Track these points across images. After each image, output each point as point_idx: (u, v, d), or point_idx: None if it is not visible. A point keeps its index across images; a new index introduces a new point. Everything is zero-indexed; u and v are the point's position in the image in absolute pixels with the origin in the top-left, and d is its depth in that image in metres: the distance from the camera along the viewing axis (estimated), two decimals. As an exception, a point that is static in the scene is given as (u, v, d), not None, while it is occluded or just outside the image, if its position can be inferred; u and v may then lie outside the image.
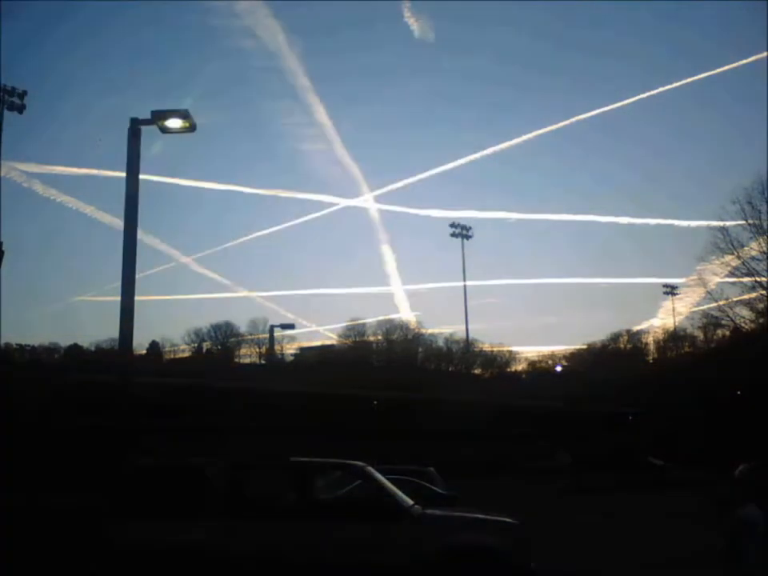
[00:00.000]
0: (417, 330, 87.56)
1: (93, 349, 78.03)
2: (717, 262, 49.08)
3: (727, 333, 58.98)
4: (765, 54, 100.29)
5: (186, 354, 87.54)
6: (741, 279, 48.46)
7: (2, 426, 27.16)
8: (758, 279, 47.60)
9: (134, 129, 13.13)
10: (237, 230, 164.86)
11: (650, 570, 13.79)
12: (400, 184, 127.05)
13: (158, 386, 43.07)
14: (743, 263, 47.93)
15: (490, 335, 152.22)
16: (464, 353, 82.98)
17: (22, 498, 15.89)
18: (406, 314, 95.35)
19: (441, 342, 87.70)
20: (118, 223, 15.21)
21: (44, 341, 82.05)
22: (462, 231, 72.27)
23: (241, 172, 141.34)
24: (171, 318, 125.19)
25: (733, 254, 48.00)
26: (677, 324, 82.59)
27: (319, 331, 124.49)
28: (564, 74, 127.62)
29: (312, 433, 37.41)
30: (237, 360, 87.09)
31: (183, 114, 13.04)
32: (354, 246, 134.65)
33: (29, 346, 75.58)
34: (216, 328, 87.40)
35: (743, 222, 47.65)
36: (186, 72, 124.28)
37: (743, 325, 51.01)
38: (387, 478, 10.79)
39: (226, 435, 33.90)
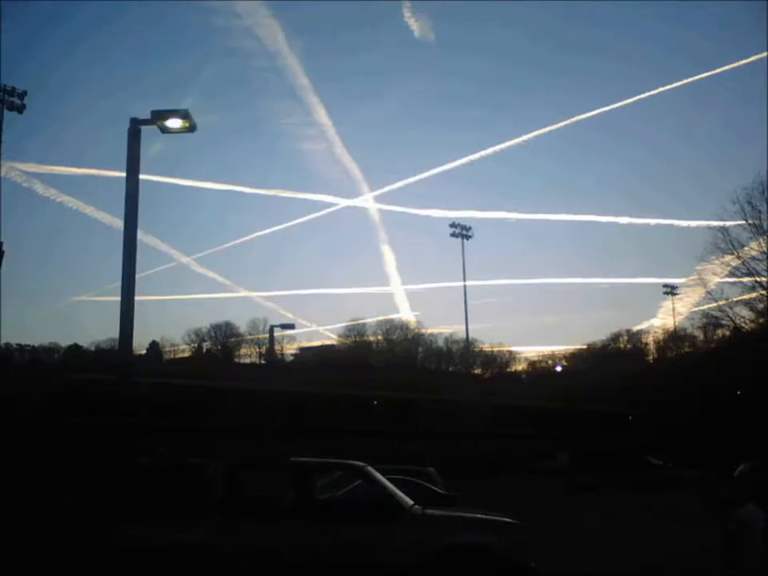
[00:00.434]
0: (417, 330, 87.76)
1: (93, 349, 78.17)
2: (717, 262, 49.09)
3: (727, 333, 58.97)
4: (765, 54, 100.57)
5: (186, 354, 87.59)
6: (741, 279, 48.46)
7: (2, 425, 27.17)
8: (758, 279, 47.59)
9: (134, 129, 13.15)
10: (237, 230, 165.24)
11: (650, 569, 13.78)
12: (400, 184, 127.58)
13: (157, 385, 43.12)
14: (743, 263, 47.93)
15: (489, 335, 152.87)
16: (464, 353, 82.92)
17: (21, 498, 15.87)
18: (405, 314, 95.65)
19: (441, 342, 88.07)
20: (118, 223, 15.26)
21: (44, 341, 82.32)
22: (462, 231, 72.20)
23: (241, 172, 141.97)
24: (171, 317, 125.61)
25: (733, 253, 48.00)
26: (677, 324, 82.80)
27: (319, 331, 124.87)
28: (564, 74, 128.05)
29: (312, 432, 37.47)
30: (237, 360, 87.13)
31: (183, 114, 13.06)
32: (354, 246, 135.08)
33: (29, 345, 75.67)
34: (216, 328, 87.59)
35: (743, 222, 47.66)
36: (186, 72, 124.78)
37: (743, 325, 50.99)
38: (387, 478, 10.78)
39: (226, 435, 33.93)
